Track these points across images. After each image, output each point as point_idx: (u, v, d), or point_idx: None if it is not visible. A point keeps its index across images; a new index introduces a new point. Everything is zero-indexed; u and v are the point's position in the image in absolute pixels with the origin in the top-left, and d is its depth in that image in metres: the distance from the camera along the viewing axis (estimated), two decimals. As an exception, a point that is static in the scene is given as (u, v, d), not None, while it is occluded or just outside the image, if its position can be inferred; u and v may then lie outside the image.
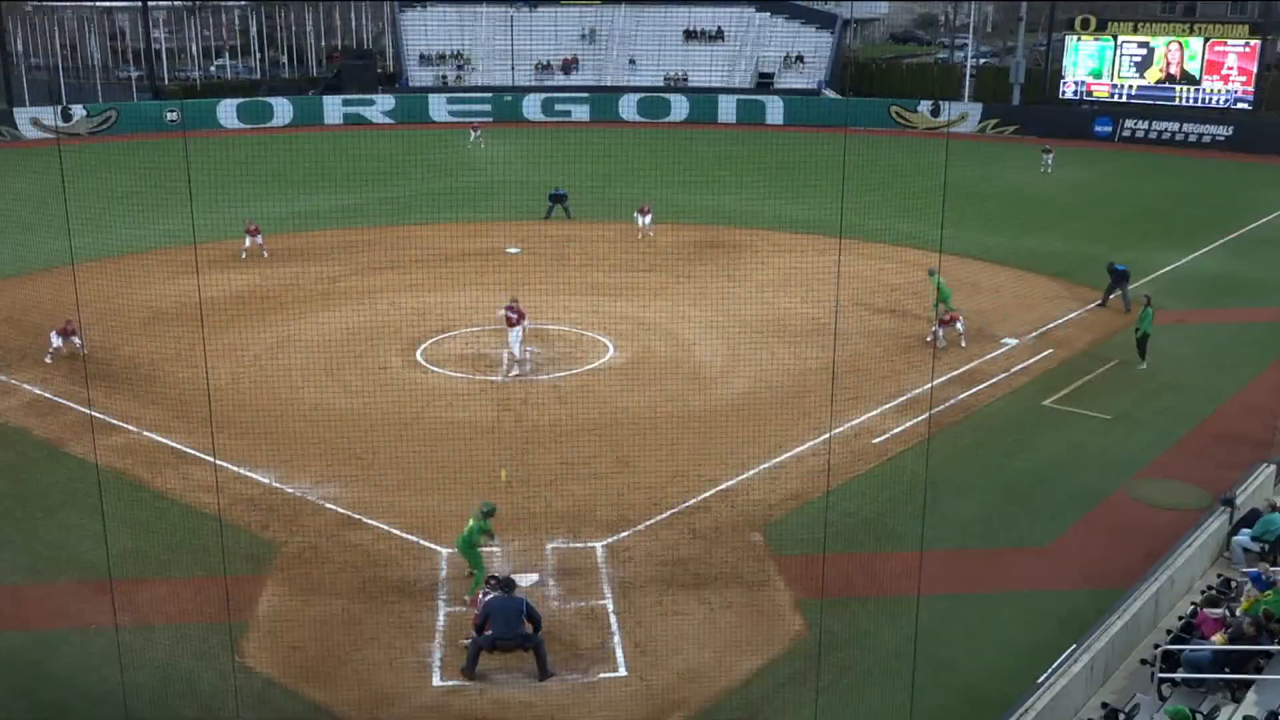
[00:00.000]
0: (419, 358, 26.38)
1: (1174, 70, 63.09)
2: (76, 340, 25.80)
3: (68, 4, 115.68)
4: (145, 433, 21.96)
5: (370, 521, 18.50)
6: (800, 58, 73.80)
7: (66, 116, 63.90)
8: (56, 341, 25.99)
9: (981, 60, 75.25)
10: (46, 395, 24.09)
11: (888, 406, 23.46)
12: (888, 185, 44.77)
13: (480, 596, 15.34)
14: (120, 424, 22.32)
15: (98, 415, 22.37)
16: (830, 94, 71.60)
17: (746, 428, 22.10)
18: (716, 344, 27.49)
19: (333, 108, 69.35)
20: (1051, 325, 29.48)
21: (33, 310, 29.40)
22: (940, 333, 27.03)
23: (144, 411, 23.00)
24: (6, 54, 70.19)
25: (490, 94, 71.85)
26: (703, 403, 23.81)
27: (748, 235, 39.13)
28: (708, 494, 19.55)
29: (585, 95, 71.90)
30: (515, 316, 25.16)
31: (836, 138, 58.06)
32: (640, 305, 30.51)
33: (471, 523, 16.52)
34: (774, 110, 69.58)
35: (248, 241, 35.90)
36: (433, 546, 17.68)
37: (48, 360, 25.92)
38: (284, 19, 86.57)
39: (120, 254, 33.30)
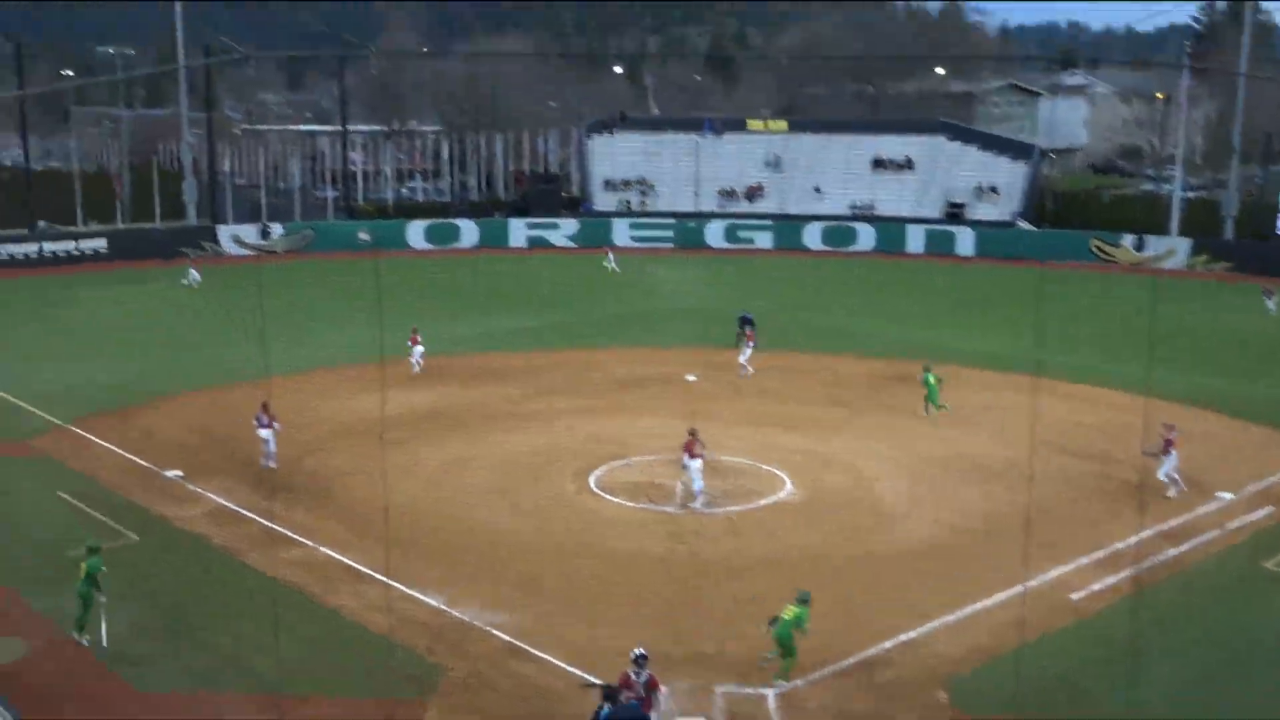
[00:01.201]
0: (592, 484, 26.63)
1: None
2: (268, 432, 27.16)
3: (273, 128, 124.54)
4: (321, 548, 22.68)
5: (537, 652, 18.52)
6: (993, 188, 73.19)
7: (266, 234, 68.20)
8: (266, 435, 27.25)
9: (1190, 193, 73.12)
10: (229, 505, 25.21)
11: (1086, 559, 22.38)
12: (1088, 322, 43.62)
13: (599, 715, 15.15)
14: (298, 538, 23.12)
15: (277, 528, 23.23)
16: (1025, 226, 70.58)
17: (931, 573, 21.40)
18: (900, 482, 26.91)
19: (518, 230, 72.09)
20: (1272, 480, 27.81)
21: (223, 420, 30.98)
22: (1162, 464, 25.87)
23: (322, 526, 23.80)
24: (215, 174, 75.67)
25: (673, 219, 73.48)
26: (884, 544, 23.23)
27: (936, 370, 38.44)
28: (888, 644, 18.91)
29: (769, 223, 72.79)
30: (700, 448, 25.22)
31: (1032, 271, 57.02)
32: (820, 439, 30.20)
33: (794, 611, 17.25)
34: (964, 241, 68.92)
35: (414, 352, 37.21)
36: (599, 682, 17.53)
37: (270, 464, 27.16)
38: (475, 144, 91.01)
39: (309, 368, 34.97)
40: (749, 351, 38.17)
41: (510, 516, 24.51)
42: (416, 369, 36.83)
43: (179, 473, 27.47)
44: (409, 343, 37.34)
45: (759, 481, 26.80)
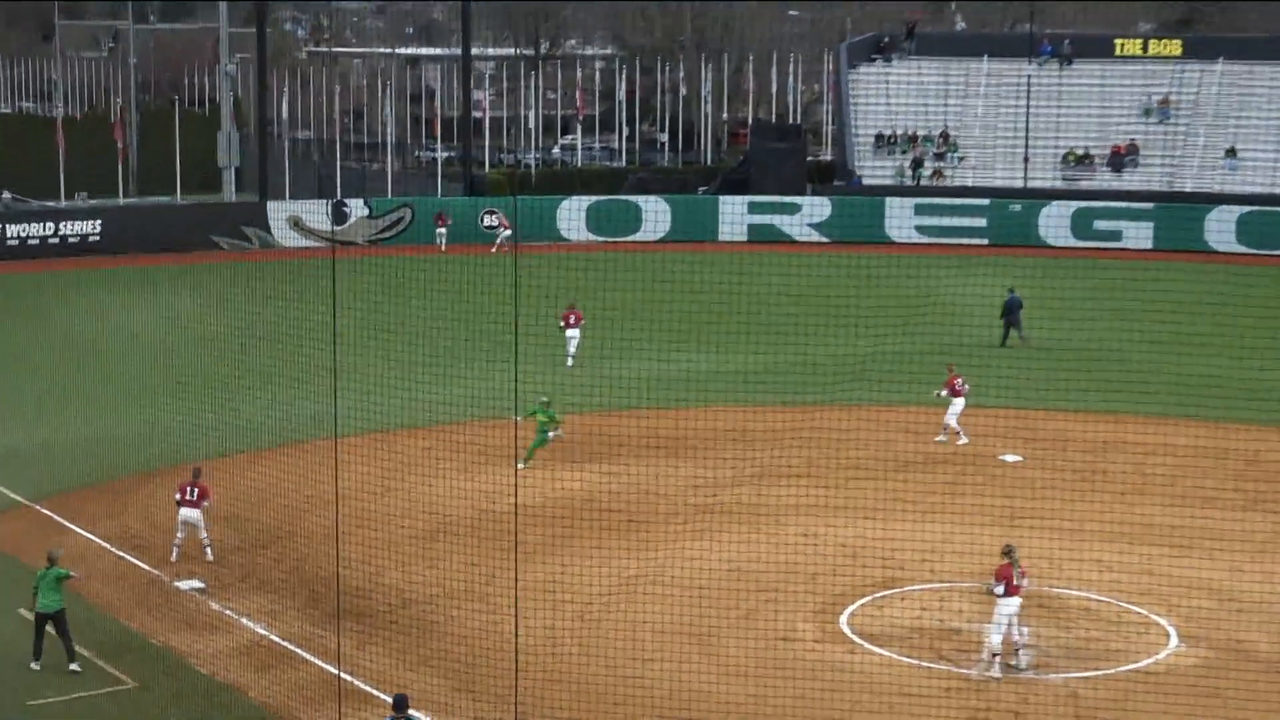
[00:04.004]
0: (844, 625, 26.55)
1: None
2: (195, 513, 29.25)
3: (357, 50, 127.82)
4: (412, 712, 23.00)
5: None
6: None
7: (340, 216, 70.19)
8: (190, 517, 29.49)
9: None
10: (272, 637, 25.91)
11: None
12: None
13: None
14: (374, 691, 23.54)
15: (344, 677, 23.67)
16: None
17: None
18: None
19: (733, 216, 72.40)
20: None
21: (266, 505, 31.85)
22: None
23: (411, 676, 24.19)
24: (265, 125, 78.20)
25: (987, 200, 72.81)
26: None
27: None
28: None
29: (1148, 207, 71.51)
30: (1017, 578, 24.80)
31: None
32: (1229, 566, 29.44)
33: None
34: None
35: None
36: None
37: (173, 559, 29.48)
38: (667, 77, 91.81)
39: (396, 428, 35.72)
40: (958, 406, 38.90)
41: (709, 674, 24.44)
42: (570, 363, 43.29)
43: (198, 583, 28.40)
44: (561, 323, 43.67)
45: (1121, 633, 26.36)
